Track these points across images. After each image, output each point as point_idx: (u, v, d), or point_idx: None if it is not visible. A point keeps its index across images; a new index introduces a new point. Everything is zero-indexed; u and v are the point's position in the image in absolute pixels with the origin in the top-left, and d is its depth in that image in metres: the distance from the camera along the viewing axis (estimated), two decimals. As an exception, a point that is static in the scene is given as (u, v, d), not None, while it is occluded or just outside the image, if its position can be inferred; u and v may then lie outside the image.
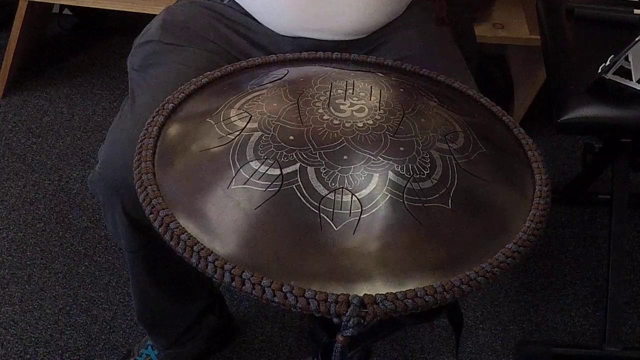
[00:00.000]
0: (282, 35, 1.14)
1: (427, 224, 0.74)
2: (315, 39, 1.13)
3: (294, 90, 0.86)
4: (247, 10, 1.16)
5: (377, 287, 0.69)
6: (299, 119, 0.81)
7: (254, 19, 1.16)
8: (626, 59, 1.25)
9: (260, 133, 0.79)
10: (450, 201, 0.76)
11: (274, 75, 0.92)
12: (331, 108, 0.83)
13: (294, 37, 1.13)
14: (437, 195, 0.76)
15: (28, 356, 1.42)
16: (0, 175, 1.80)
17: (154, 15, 1.20)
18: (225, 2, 1.18)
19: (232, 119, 0.83)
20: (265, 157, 0.77)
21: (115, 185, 1.00)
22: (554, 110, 1.31)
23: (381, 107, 0.84)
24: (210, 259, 0.70)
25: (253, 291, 0.68)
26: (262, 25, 1.15)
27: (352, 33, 1.13)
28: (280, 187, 0.74)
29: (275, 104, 0.84)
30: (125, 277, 1.55)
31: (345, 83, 0.87)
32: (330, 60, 1.01)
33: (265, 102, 0.84)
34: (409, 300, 0.67)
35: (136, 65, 1.13)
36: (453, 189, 0.77)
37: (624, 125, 1.31)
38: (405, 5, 1.19)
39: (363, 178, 0.75)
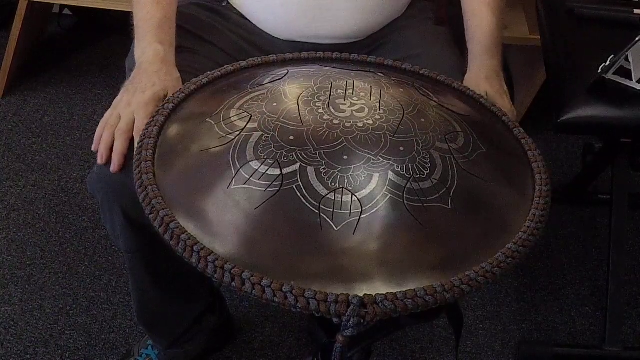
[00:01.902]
0: (281, 39, 1.14)
1: (427, 224, 0.74)
2: (315, 43, 1.13)
3: (293, 90, 0.86)
4: (245, 16, 1.16)
5: (377, 287, 0.69)
6: (299, 119, 0.81)
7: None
8: (626, 59, 1.25)
9: (260, 133, 0.79)
10: (450, 201, 0.76)
11: (274, 75, 0.92)
12: (331, 108, 0.83)
13: (292, 41, 1.13)
14: (437, 195, 0.76)
15: (28, 356, 1.42)
16: (0, 175, 1.80)
17: (154, 16, 1.20)
18: (224, 4, 1.18)
19: (232, 119, 0.83)
20: (265, 157, 0.77)
21: (114, 185, 1.00)
22: (554, 110, 1.31)
23: (381, 107, 0.83)
24: (210, 259, 0.70)
25: (253, 291, 0.68)
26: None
27: (351, 36, 1.13)
28: (280, 187, 0.74)
29: (275, 104, 0.84)
30: (125, 277, 1.55)
31: (345, 83, 0.87)
32: (330, 60, 1.01)
33: (265, 102, 0.84)
34: (409, 300, 0.67)
35: (134, 66, 1.13)
36: (453, 189, 0.77)
37: (624, 125, 1.31)
38: (404, 6, 1.19)
39: (363, 178, 0.75)
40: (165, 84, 0.97)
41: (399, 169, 0.76)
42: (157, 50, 1.00)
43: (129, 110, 0.94)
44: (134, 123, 0.93)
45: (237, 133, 0.80)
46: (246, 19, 1.16)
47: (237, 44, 1.16)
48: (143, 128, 0.87)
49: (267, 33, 1.15)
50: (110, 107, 0.98)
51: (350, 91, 0.86)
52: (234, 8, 1.17)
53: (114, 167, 0.93)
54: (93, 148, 0.95)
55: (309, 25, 1.11)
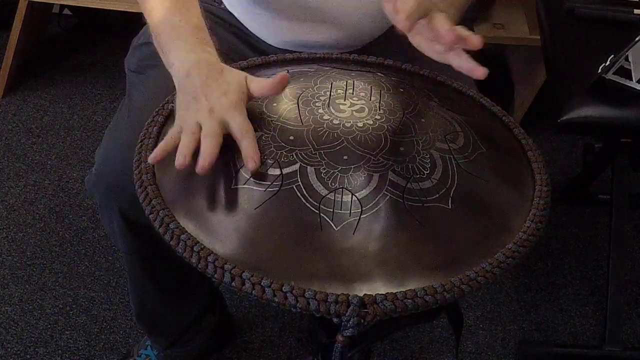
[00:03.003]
0: (276, 47, 1.14)
1: (427, 224, 0.74)
2: (311, 52, 1.12)
3: (293, 90, 0.86)
4: (242, 23, 1.15)
5: (377, 287, 0.69)
6: (299, 118, 0.81)
7: None
8: (626, 59, 1.25)
9: (260, 133, 0.79)
10: (450, 201, 0.76)
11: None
12: (331, 108, 0.83)
13: (288, 50, 1.13)
14: (437, 195, 0.76)
15: (28, 356, 1.42)
16: (0, 175, 1.80)
17: (154, 16, 1.19)
18: (222, 6, 1.18)
19: (232, 119, 0.83)
20: (265, 157, 0.77)
21: (113, 186, 1.00)
22: (553, 110, 1.31)
23: (381, 107, 0.83)
24: (210, 259, 0.70)
25: (253, 291, 0.68)
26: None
27: (347, 46, 1.13)
28: (280, 187, 0.74)
29: (275, 104, 0.84)
30: (125, 277, 1.55)
31: (345, 83, 0.87)
32: (330, 60, 1.01)
33: (265, 101, 0.84)
34: (409, 300, 0.67)
35: (133, 66, 1.12)
36: (453, 189, 0.77)
37: (624, 125, 1.31)
38: None
39: (363, 178, 0.75)
40: (238, 79, 0.81)
41: (399, 169, 0.76)
42: (209, 53, 0.86)
43: (215, 115, 0.78)
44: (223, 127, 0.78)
45: (237, 133, 0.80)
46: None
47: (236, 45, 1.15)
48: (245, 128, 0.77)
49: (263, 40, 1.14)
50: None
51: (350, 91, 0.86)
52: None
53: (203, 165, 0.74)
54: (152, 159, 0.77)
55: (302, 37, 1.10)
